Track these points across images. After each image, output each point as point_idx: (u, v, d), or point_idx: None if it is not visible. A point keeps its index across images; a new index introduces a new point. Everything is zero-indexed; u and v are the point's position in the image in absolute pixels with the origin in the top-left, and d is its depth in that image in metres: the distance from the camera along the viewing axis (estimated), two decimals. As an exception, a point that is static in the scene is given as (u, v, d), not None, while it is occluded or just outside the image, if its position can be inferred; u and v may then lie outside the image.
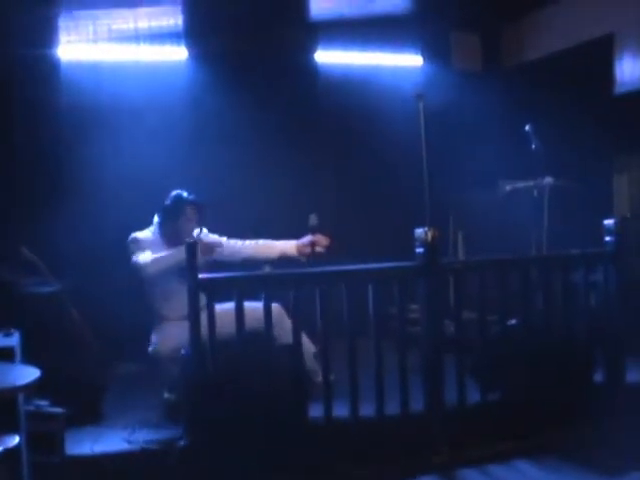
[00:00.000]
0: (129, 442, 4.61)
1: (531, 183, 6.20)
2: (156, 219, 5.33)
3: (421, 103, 4.97)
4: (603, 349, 5.35)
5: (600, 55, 7.08)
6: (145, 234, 5.27)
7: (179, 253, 4.89)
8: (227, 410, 4.43)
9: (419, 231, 4.84)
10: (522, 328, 5.18)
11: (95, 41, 6.84)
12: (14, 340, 4.21)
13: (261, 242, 5.49)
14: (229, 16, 6.86)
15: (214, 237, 5.43)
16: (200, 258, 4.73)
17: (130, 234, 5.26)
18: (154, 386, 5.29)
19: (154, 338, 5.18)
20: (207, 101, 6.85)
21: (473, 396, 5.02)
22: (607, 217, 5.43)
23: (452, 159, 7.03)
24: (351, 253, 5.82)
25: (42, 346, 4.45)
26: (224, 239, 5.46)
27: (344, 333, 4.76)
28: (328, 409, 4.70)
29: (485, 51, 8.41)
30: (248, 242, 5.48)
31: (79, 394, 4.82)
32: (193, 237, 5.06)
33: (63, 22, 6.56)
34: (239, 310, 4.55)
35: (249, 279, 4.89)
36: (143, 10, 6.70)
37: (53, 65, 6.49)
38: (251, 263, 5.45)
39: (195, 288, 4.45)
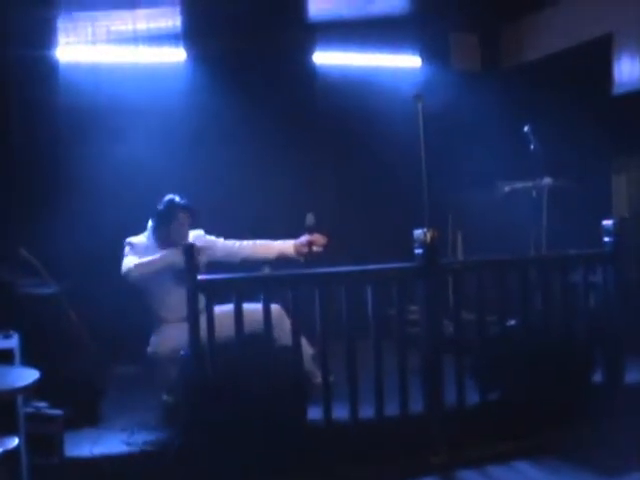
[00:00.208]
0: (128, 444, 4.62)
1: (530, 183, 6.21)
2: (150, 224, 5.32)
3: (420, 104, 4.97)
4: (602, 349, 5.35)
5: (599, 55, 7.07)
6: (140, 239, 5.26)
7: (164, 257, 4.98)
8: (226, 412, 4.43)
9: (418, 232, 4.84)
10: (521, 328, 5.18)
11: (94, 42, 6.83)
12: (13, 342, 4.22)
13: (259, 242, 5.49)
14: (227, 17, 6.84)
15: (211, 238, 5.43)
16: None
17: (128, 235, 5.26)
18: (153, 388, 5.28)
19: (153, 339, 5.18)
20: (206, 102, 6.84)
21: (472, 397, 5.03)
22: (606, 217, 5.44)
23: (451, 159, 7.03)
24: (350, 254, 5.84)
25: (40, 348, 4.45)
26: (221, 240, 5.46)
27: (343, 334, 4.75)
28: (327, 410, 4.69)
29: (484, 52, 8.41)
30: (245, 243, 5.47)
31: (77, 396, 4.83)
32: (187, 241, 5.06)
33: (62, 23, 6.55)
34: (238, 311, 4.55)
35: (248, 280, 4.88)
36: (142, 12, 6.69)
37: (52, 66, 6.49)
38: (250, 264, 5.45)
39: (194, 289, 4.45)
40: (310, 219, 5.32)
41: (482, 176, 6.80)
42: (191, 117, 6.88)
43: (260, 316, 4.62)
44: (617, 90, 7.04)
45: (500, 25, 8.32)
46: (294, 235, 5.46)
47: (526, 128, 6.16)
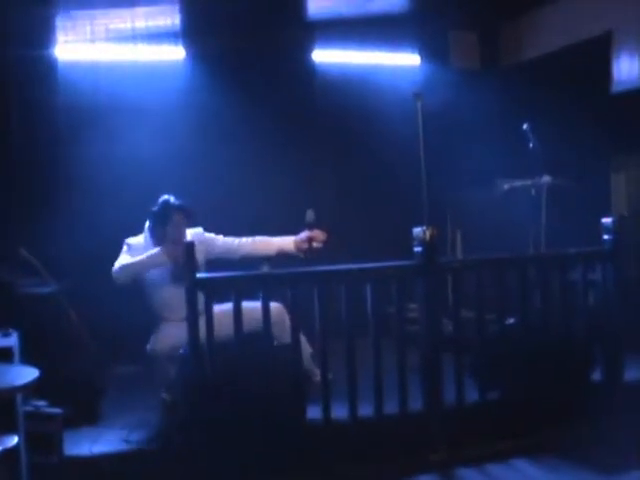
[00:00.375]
0: (127, 442, 4.62)
1: (529, 182, 6.21)
2: (147, 225, 5.32)
3: (419, 102, 4.97)
4: (601, 347, 5.35)
5: (598, 53, 7.07)
6: (139, 240, 5.25)
7: (147, 259, 4.98)
8: (225, 411, 4.43)
9: (417, 230, 4.84)
10: (520, 327, 5.18)
11: (92, 41, 6.82)
12: (12, 340, 4.22)
13: (258, 239, 5.48)
14: (226, 15, 6.84)
15: (210, 236, 5.43)
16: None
17: (127, 234, 5.26)
18: (152, 387, 5.28)
19: (153, 337, 5.18)
20: (205, 100, 6.84)
21: (472, 395, 5.03)
22: (605, 216, 5.44)
23: (450, 158, 7.02)
24: (349, 252, 5.81)
25: (40, 346, 4.46)
26: (220, 237, 5.45)
27: (342, 332, 4.75)
28: (326, 409, 4.70)
29: (483, 50, 8.40)
30: (245, 239, 5.46)
31: (77, 395, 4.84)
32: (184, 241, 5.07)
33: (60, 22, 6.54)
34: (237, 309, 4.55)
35: (247, 278, 4.88)
36: (140, 10, 6.68)
37: (50, 65, 6.48)
38: (249, 261, 5.45)
39: (193, 288, 4.45)
40: (310, 215, 5.32)
41: (481, 174, 6.80)
42: (190, 115, 6.87)
43: (260, 314, 4.63)
44: (616, 88, 7.03)
45: (499, 23, 8.31)
46: (293, 232, 5.45)
47: (525, 126, 6.16)
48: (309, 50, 7.65)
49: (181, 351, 4.75)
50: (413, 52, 8.17)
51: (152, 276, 5.13)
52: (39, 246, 5.39)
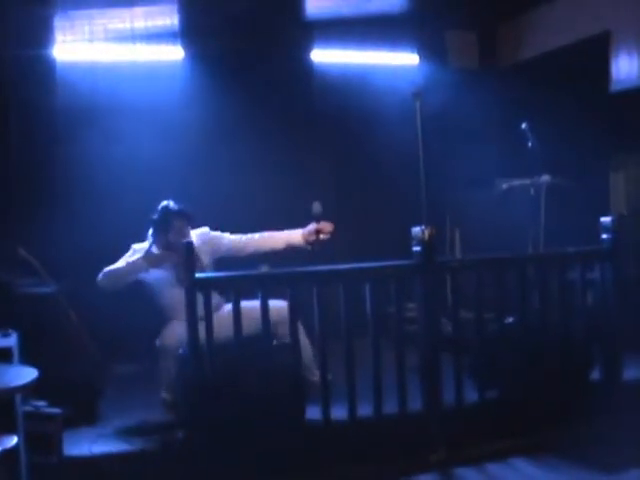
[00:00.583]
0: (127, 443, 4.62)
1: (528, 181, 6.21)
2: (150, 232, 5.31)
3: (418, 101, 4.96)
4: (600, 347, 5.36)
5: (596, 53, 7.08)
6: (143, 246, 5.25)
7: (128, 266, 5.02)
8: (225, 411, 4.43)
9: (416, 229, 4.84)
10: (519, 326, 5.18)
11: (91, 41, 6.82)
12: (12, 341, 4.22)
13: (266, 234, 5.48)
14: (225, 15, 6.84)
15: (216, 234, 5.43)
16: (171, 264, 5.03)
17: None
18: (152, 386, 5.29)
19: (162, 331, 5.16)
20: (204, 101, 6.85)
21: (471, 395, 5.03)
22: (604, 215, 5.43)
23: (449, 157, 7.02)
24: (348, 252, 5.82)
25: (39, 347, 4.46)
26: (227, 235, 5.45)
27: (341, 332, 4.75)
28: (326, 409, 4.70)
29: (482, 49, 8.41)
30: (251, 235, 5.47)
31: (76, 395, 4.84)
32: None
33: (59, 22, 6.54)
34: (236, 309, 4.55)
35: (246, 278, 4.88)
36: (139, 10, 6.68)
37: (49, 65, 6.48)
38: (250, 260, 5.45)
39: (192, 288, 4.45)
40: (317, 207, 5.34)
41: (480, 174, 6.81)
42: (189, 116, 6.88)
43: (267, 314, 4.65)
44: (615, 87, 7.04)
45: (497, 23, 8.32)
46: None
47: (524, 125, 6.16)
48: (308, 50, 7.66)
49: (180, 351, 4.75)
50: (412, 52, 8.18)
51: (157, 279, 5.14)
52: (38, 246, 5.39)
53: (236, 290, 4.59)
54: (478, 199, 6.82)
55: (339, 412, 4.74)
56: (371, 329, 4.82)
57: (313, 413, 4.70)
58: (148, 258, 5.01)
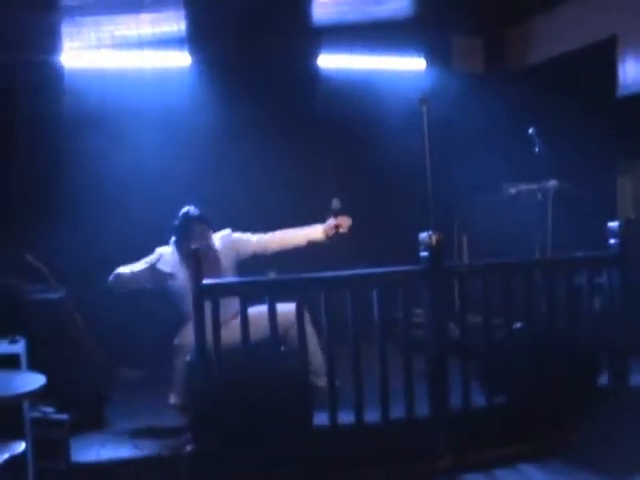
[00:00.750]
0: (135, 448, 4.62)
1: (535, 186, 6.20)
2: (173, 239, 5.35)
3: (425, 107, 4.96)
4: (608, 352, 5.34)
5: (603, 58, 7.07)
6: (167, 250, 5.31)
7: (136, 275, 5.02)
8: (232, 416, 4.43)
9: (423, 235, 4.83)
10: (527, 332, 5.17)
11: (98, 47, 6.85)
12: (20, 347, 4.23)
13: (289, 232, 5.53)
14: (232, 21, 6.86)
15: (237, 236, 5.48)
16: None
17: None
18: (159, 391, 5.30)
19: (181, 330, 5.17)
20: (211, 106, 6.86)
21: (478, 400, 5.02)
22: (611, 219, 5.42)
23: (456, 162, 7.03)
24: (355, 257, 5.83)
25: (47, 353, 4.47)
26: (249, 235, 5.50)
27: (349, 338, 4.75)
28: (333, 414, 4.69)
29: (488, 54, 8.42)
30: (271, 234, 5.52)
31: (84, 400, 4.84)
32: (210, 251, 5.22)
33: (66, 29, 6.57)
34: (244, 316, 4.55)
35: (253, 284, 4.90)
36: (146, 16, 6.70)
37: (56, 72, 6.51)
38: (261, 264, 5.48)
39: (199, 294, 4.45)
40: (336, 203, 5.44)
41: (487, 179, 6.80)
42: (197, 121, 6.89)
43: (281, 318, 4.67)
44: (622, 92, 7.03)
45: (504, 28, 8.32)
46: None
47: (531, 130, 6.15)
48: (314, 55, 7.68)
49: (188, 358, 4.75)
50: (418, 57, 8.19)
51: (183, 287, 5.13)
52: (45, 252, 5.41)
53: (243, 296, 4.59)
54: (485, 204, 6.81)
55: (346, 417, 4.73)
56: (378, 334, 4.81)
57: (321, 418, 4.69)
58: (152, 272, 5.02)
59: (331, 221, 5.44)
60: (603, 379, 5.30)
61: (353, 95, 7.54)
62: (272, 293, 4.66)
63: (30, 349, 4.26)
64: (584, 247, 5.45)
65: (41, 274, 5.30)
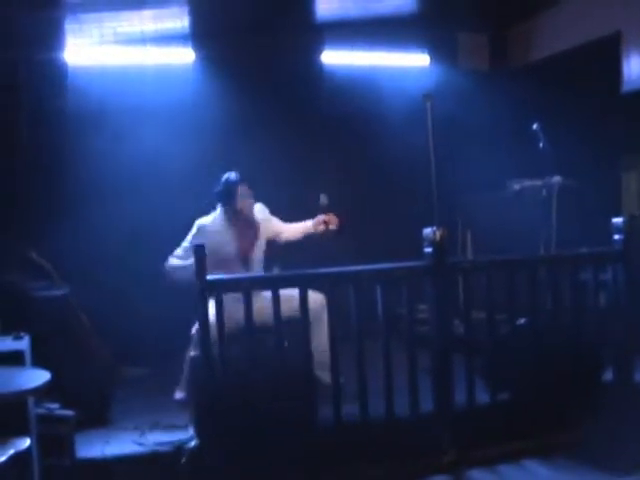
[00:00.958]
0: (140, 444, 4.63)
1: (539, 182, 6.19)
2: (218, 207, 5.44)
3: (429, 103, 4.96)
4: (612, 348, 5.34)
5: (607, 53, 7.06)
6: (208, 220, 5.39)
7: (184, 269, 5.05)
8: (237, 412, 4.43)
9: (427, 231, 4.83)
10: (531, 328, 5.17)
11: (101, 44, 6.85)
12: (24, 344, 4.23)
13: (293, 225, 5.65)
14: (235, 17, 6.84)
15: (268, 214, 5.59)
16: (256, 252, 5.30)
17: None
18: (163, 389, 5.31)
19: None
20: (215, 103, 6.85)
21: (482, 396, 5.02)
22: (616, 215, 5.42)
23: (460, 158, 7.02)
24: (359, 253, 5.83)
25: (51, 349, 4.48)
26: (278, 221, 5.64)
27: (352, 334, 4.75)
28: (338, 410, 4.69)
29: (492, 51, 8.41)
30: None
31: (88, 397, 4.85)
32: (253, 215, 5.42)
33: (69, 25, 6.56)
34: (248, 311, 4.55)
35: (257, 280, 4.90)
36: (149, 12, 6.69)
37: (59, 68, 6.51)
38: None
39: (203, 291, 4.45)
40: (323, 199, 5.47)
41: (491, 175, 6.79)
42: (200, 118, 6.88)
43: (296, 303, 4.68)
44: (626, 88, 7.02)
45: (508, 25, 8.31)
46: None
47: (535, 126, 6.14)
48: (318, 52, 7.68)
49: (192, 354, 4.75)
50: (422, 54, 8.18)
51: (226, 251, 5.28)
52: (49, 249, 5.41)
53: (247, 292, 4.59)
54: (489, 200, 6.81)
55: (351, 413, 4.73)
56: (382, 330, 4.81)
57: (325, 414, 4.69)
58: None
59: (320, 217, 5.46)
60: (607, 375, 5.30)
61: (357, 91, 7.53)
62: (275, 289, 4.65)
63: (34, 346, 4.26)
64: (588, 243, 5.45)
65: (45, 271, 5.30)
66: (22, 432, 4.02)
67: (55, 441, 4.32)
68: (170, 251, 5.33)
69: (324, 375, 4.94)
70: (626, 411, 4.92)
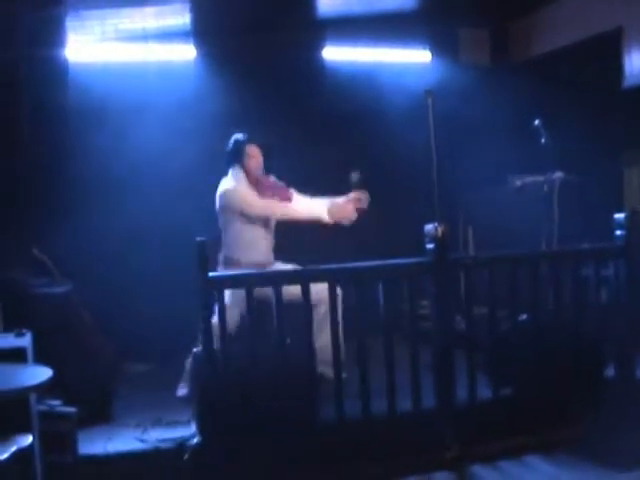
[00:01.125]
0: (142, 441, 4.63)
1: (541, 178, 6.19)
2: (230, 170, 5.43)
3: (430, 99, 4.95)
4: (614, 344, 5.33)
5: (609, 48, 7.05)
6: (231, 183, 5.37)
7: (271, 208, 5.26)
8: (238, 408, 4.43)
9: (429, 227, 4.83)
10: (532, 324, 5.16)
11: (102, 41, 6.85)
12: (26, 340, 4.23)
13: (302, 201, 5.62)
14: (237, 14, 6.83)
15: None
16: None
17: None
18: (165, 385, 5.32)
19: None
20: (216, 99, 6.85)
21: (484, 392, 5.02)
22: (618, 211, 5.41)
23: (461, 154, 7.02)
24: (361, 250, 5.82)
25: (53, 346, 4.48)
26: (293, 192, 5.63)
27: (354, 330, 4.75)
28: (340, 406, 4.69)
29: (494, 46, 8.39)
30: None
31: (90, 394, 4.86)
32: (264, 174, 5.43)
33: (70, 22, 6.56)
34: (251, 308, 4.55)
35: (258, 277, 4.90)
36: (151, 9, 6.69)
37: (61, 65, 6.51)
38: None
39: (205, 287, 4.45)
40: (355, 176, 5.43)
41: (493, 171, 6.79)
42: (202, 115, 6.89)
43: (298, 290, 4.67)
44: (628, 83, 7.01)
45: (509, 20, 8.30)
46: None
47: (537, 122, 6.13)
48: (320, 48, 7.67)
49: (195, 350, 4.76)
50: (424, 49, 8.17)
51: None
52: (51, 246, 5.41)
53: (249, 288, 4.59)
54: (491, 196, 6.81)
55: (353, 410, 4.73)
56: (384, 327, 4.81)
57: (327, 411, 4.69)
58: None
59: (351, 194, 5.39)
60: (609, 371, 5.30)
61: (358, 87, 7.52)
62: (276, 285, 4.65)
63: (36, 343, 4.26)
64: (590, 239, 5.44)
65: (47, 268, 5.30)
66: (24, 429, 4.02)
67: (57, 438, 4.33)
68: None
69: (328, 371, 4.95)
70: (627, 407, 4.92)
